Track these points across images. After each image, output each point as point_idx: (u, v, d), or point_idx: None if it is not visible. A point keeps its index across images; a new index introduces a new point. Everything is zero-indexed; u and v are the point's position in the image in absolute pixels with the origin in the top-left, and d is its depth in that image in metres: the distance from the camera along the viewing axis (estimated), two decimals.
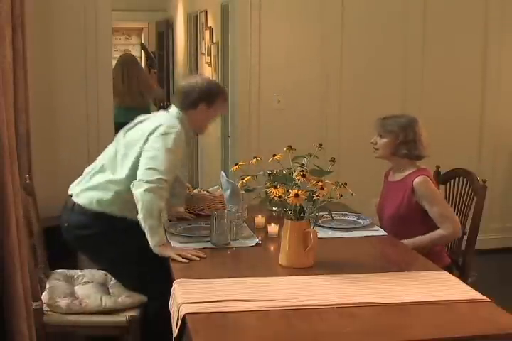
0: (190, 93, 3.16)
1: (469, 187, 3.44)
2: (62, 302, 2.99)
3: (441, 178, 3.64)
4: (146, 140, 3.03)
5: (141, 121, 3.23)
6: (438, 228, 3.23)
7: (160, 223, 2.92)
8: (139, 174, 2.94)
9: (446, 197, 3.58)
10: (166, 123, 3.06)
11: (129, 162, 3.05)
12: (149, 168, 2.92)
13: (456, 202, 3.51)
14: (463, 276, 3.26)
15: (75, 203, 3.17)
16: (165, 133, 3.00)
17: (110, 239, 3.09)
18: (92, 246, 3.16)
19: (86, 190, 3.16)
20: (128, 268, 3.14)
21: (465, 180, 3.48)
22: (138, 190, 2.88)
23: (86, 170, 3.30)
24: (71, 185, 3.31)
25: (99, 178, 3.14)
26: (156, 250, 2.86)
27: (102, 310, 3.00)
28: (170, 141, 2.98)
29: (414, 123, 3.33)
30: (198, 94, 3.14)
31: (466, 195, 3.46)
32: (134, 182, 2.93)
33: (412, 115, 3.40)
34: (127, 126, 3.27)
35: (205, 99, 3.14)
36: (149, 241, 2.87)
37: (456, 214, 3.48)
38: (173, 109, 3.20)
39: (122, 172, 3.07)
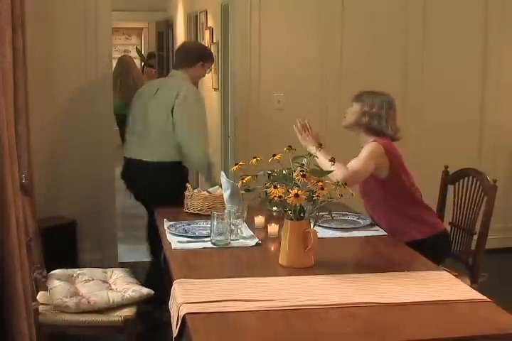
0: (189, 53, 4.08)
1: (479, 187, 3.42)
2: (71, 302, 2.99)
3: (450, 178, 3.62)
4: (173, 107, 3.85)
5: (157, 90, 4.00)
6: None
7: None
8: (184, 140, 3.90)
9: (454, 197, 3.57)
10: (183, 88, 3.89)
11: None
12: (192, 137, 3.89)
13: (465, 202, 3.50)
14: (473, 276, 3.28)
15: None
16: (187, 98, 3.86)
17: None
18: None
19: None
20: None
21: (474, 179, 3.46)
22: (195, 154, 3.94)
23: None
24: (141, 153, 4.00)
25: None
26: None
27: (110, 306, 3.01)
28: (195, 105, 3.89)
29: (388, 102, 3.35)
30: (197, 54, 4.05)
31: (476, 194, 3.43)
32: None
33: (391, 96, 3.40)
34: (145, 96, 4.05)
35: (202, 59, 4.03)
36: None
37: (466, 214, 3.48)
38: (175, 72, 4.07)
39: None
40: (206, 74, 4.24)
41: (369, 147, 3.25)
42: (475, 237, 3.39)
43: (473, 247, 3.41)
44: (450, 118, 5.19)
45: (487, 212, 3.35)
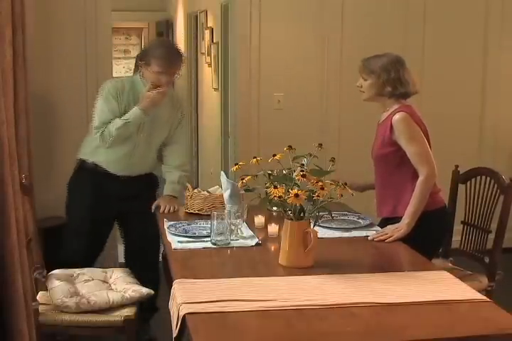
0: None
1: (493, 186, 3.40)
2: (71, 302, 2.99)
3: (462, 177, 3.61)
4: None
5: None
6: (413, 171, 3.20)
7: (119, 122, 3.61)
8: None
9: (466, 196, 3.56)
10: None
11: None
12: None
13: (479, 201, 3.48)
14: (490, 274, 3.29)
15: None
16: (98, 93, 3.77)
17: None
18: None
19: None
20: None
21: (488, 179, 3.45)
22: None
23: None
24: None
25: None
26: (143, 107, 3.58)
27: (110, 307, 3.01)
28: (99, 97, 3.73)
29: (397, 61, 3.26)
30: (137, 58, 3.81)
31: (490, 194, 3.42)
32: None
33: (394, 54, 3.30)
34: None
35: (142, 60, 3.65)
36: (136, 115, 3.58)
37: (480, 212, 3.47)
38: None
39: None
40: (160, 80, 3.59)
41: (407, 124, 3.16)
42: (492, 236, 3.37)
43: (490, 246, 3.40)
44: (450, 119, 5.19)
45: (505, 211, 3.33)
